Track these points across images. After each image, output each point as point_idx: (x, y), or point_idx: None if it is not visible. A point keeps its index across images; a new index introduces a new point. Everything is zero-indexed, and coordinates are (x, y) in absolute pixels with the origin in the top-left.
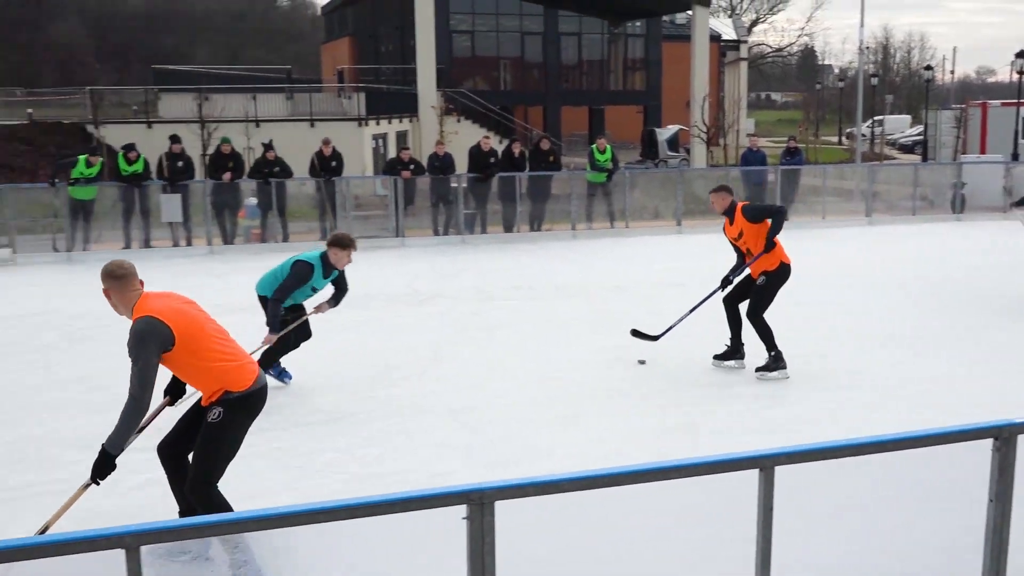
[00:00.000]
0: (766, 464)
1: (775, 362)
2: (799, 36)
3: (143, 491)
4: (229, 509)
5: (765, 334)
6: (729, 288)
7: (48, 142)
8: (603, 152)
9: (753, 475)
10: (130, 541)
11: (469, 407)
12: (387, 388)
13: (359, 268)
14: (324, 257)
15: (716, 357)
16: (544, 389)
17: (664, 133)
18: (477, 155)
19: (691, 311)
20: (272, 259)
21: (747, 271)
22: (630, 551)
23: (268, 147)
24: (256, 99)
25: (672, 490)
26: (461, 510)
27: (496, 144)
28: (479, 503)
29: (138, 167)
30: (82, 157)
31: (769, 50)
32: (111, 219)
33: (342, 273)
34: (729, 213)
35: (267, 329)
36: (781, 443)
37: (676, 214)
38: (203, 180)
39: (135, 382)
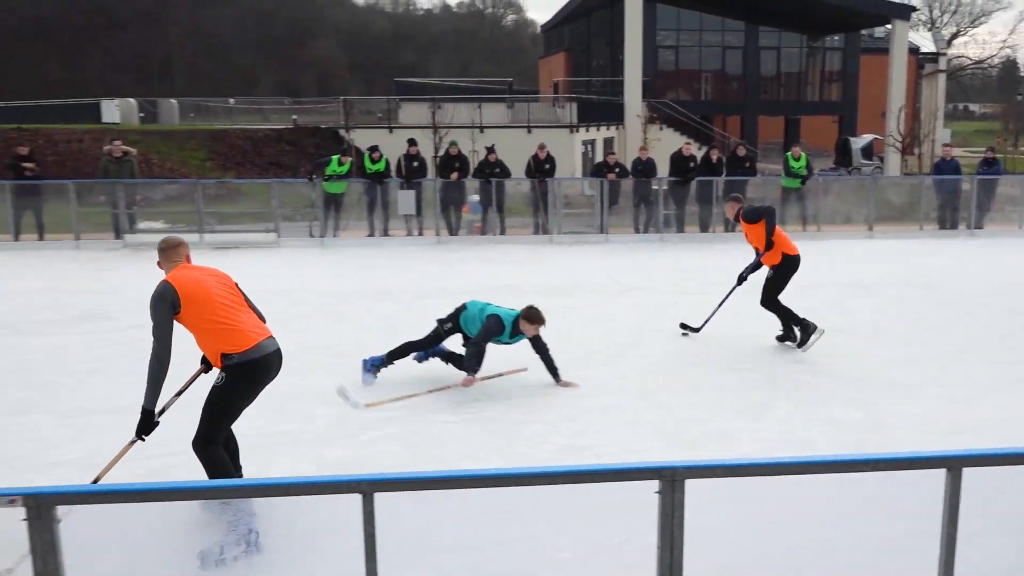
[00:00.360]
0: (954, 464)
1: (805, 332)
2: (1001, 48)
3: (377, 445)
4: (228, 468)
5: (783, 315)
6: (744, 283)
7: (308, 144)
8: (798, 159)
9: (940, 475)
10: (366, 487)
11: (663, 389)
12: (588, 369)
13: (567, 261)
14: (515, 321)
15: (778, 338)
16: (735, 377)
17: (859, 142)
18: (678, 160)
19: (720, 305)
20: (491, 250)
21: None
22: (811, 538)
23: (490, 150)
24: (481, 108)
25: (858, 484)
26: (653, 485)
27: (695, 150)
28: (671, 480)
29: (380, 166)
30: (335, 157)
31: (969, 62)
32: (357, 210)
33: (540, 342)
34: (737, 218)
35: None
36: (967, 445)
37: (868, 219)
38: (434, 179)
39: (153, 338)
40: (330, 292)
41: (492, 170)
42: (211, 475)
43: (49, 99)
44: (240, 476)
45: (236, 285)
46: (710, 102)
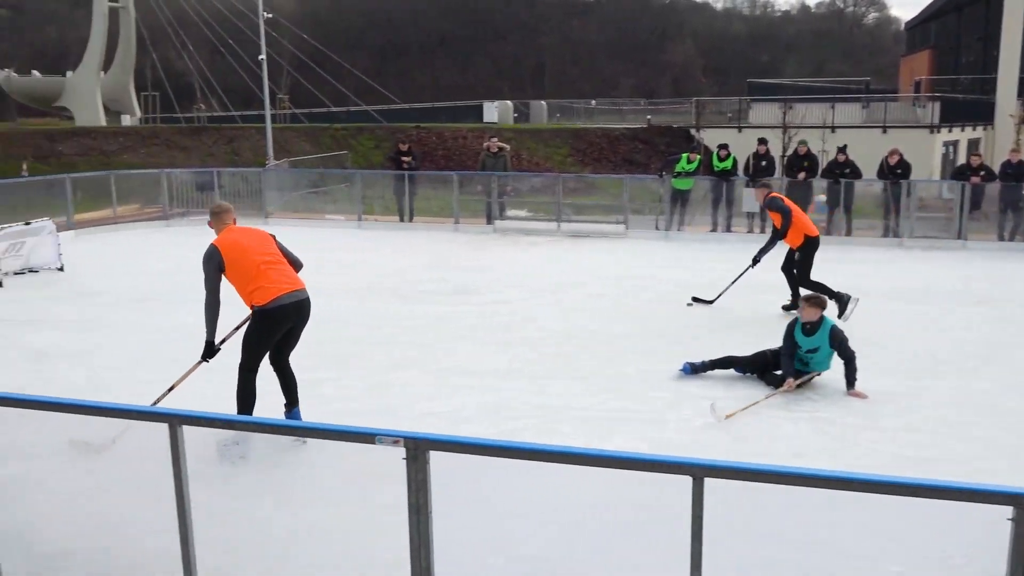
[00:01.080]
0: None
1: (843, 304)
2: None
3: (708, 432)
4: (251, 398)
5: (820, 290)
6: (758, 265)
7: (660, 142)
8: None
9: None
10: (697, 471)
11: (1021, 410)
12: (934, 379)
13: (917, 265)
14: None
15: (784, 307)
16: None
17: None
18: None
19: (733, 282)
20: (835, 250)
21: (777, 246)
22: None
23: (841, 150)
24: (834, 107)
25: None
26: (1007, 511)
27: None
28: None
29: (727, 164)
30: (684, 154)
31: None
32: (702, 206)
33: (837, 338)
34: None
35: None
36: None
37: None
38: (781, 177)
39: (205, 290)
40: (671, 281)
41: (842, 170)
42: (237, 396)
43: (443, 102)
44: (294, 405)
45: (274, 242)
46: None
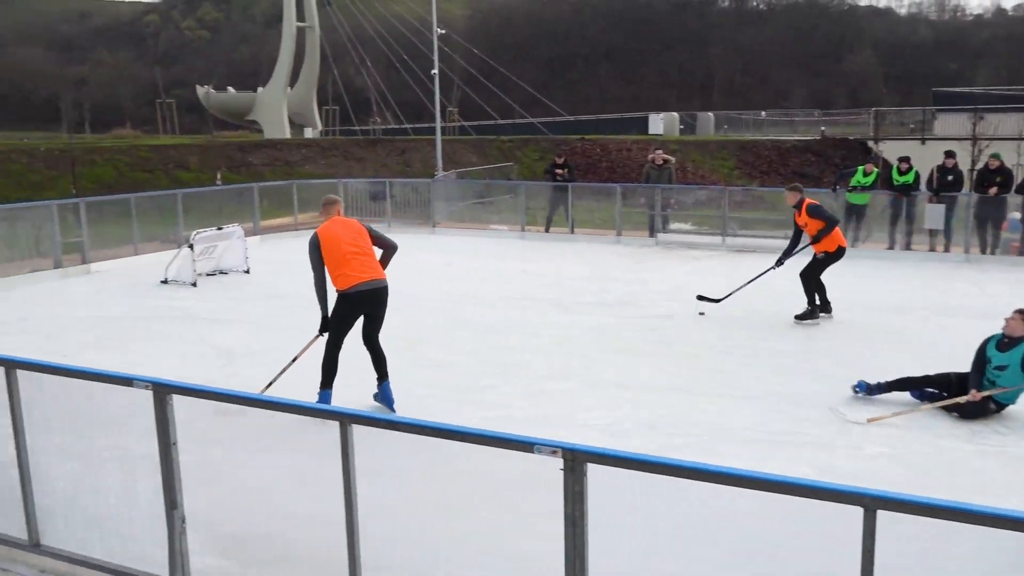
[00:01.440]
0: None
1: (810, 314)
2: None
3: (878, 461)
4: (334, 367)
5: (809, 291)
6: (781, 267)
7: (834, 155)
8: None
9: None
10: (868, 502)
11: None
12: None
13: None
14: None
15: (797, 317)
16: None
17: None
18: None
19: (748, 283)
20: None
21: (808, 249)
22: None
23: None
24: None
25: None
26: None
27: None
28: None
29: (908, 178)
30: (860, 167)
31: None
32: (879, 222)
33: None
34: (798, 207)
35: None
36: None
37: None
38: (968, 193)
39: (312, 271)
40: (842, 300)
41: None
42: (322, 365)
43: (608, 113)
44: (384, 379)
45: (367, 235)
46: None
